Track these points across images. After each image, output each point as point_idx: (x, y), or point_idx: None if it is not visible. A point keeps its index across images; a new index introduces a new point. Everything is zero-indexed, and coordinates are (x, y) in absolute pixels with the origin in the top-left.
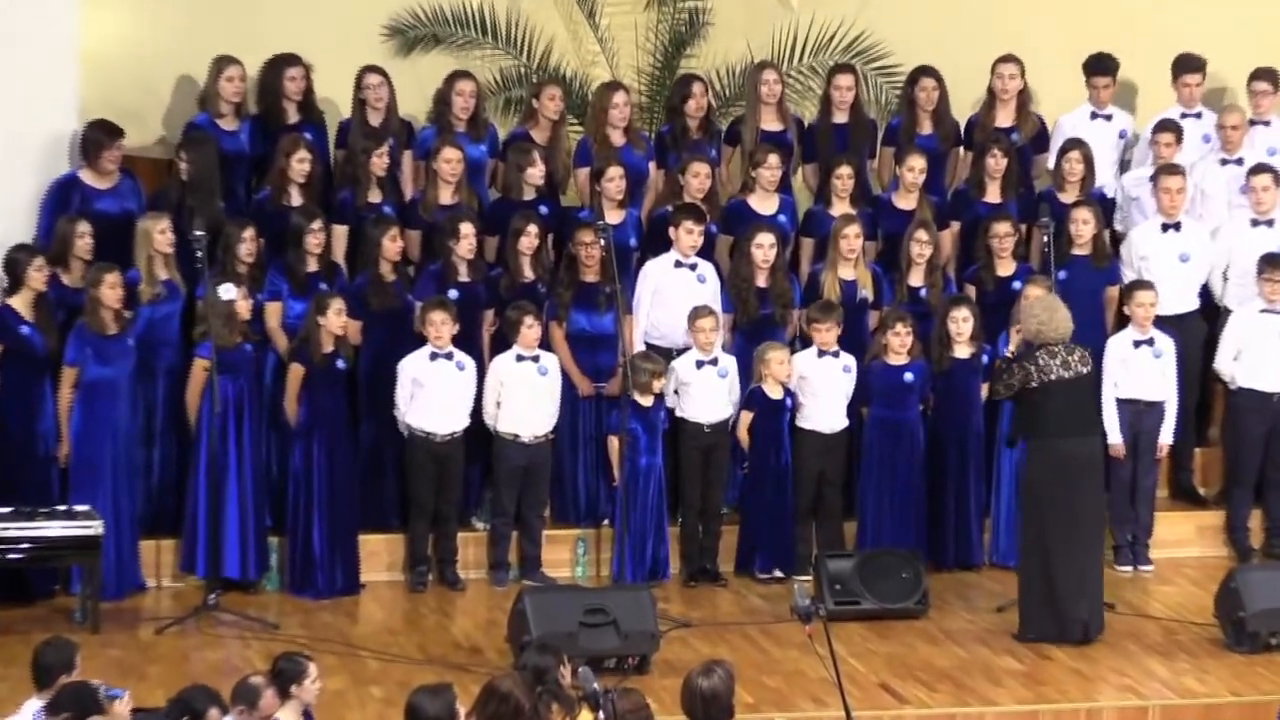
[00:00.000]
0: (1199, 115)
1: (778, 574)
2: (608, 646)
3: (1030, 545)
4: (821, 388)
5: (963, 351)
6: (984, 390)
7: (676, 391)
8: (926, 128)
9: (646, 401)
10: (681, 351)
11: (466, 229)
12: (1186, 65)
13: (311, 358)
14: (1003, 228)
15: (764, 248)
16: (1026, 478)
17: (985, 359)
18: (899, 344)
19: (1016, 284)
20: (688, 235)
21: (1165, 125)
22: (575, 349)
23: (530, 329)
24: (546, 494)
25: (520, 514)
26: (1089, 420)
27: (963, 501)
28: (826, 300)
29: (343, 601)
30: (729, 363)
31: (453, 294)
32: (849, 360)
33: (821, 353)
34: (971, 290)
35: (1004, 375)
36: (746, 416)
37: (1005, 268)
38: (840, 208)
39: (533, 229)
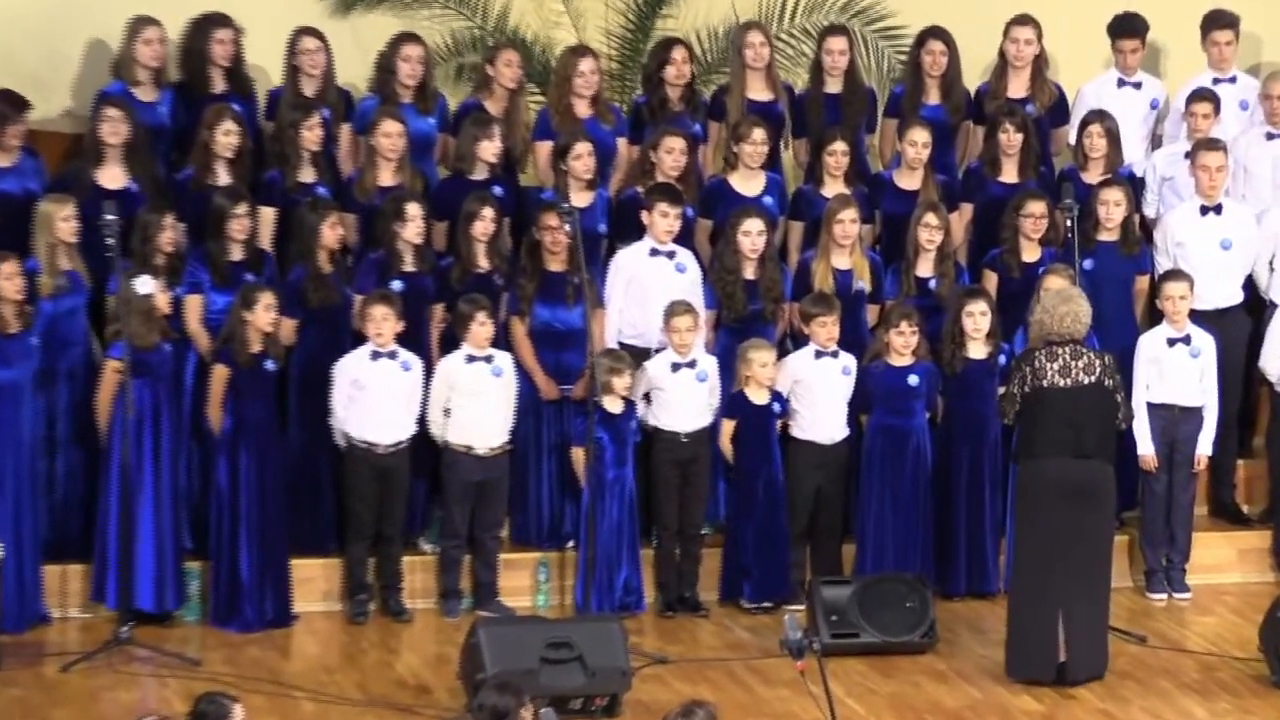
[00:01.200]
0: (1233, 79)
1: (766, 603)
2: (573, 685)
3: (1013, 576)
4: (819, 392)
5: (978, 351)
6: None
7: (648, 397)
8: (934, 97)
9: (615, 407)
10: (659, 351)
11: (413, 211)
12: (1216, 21)
13: (237, 359)
14: (1037, 207)
15: (752, 235)
16: (1015, 500)
17: (1003, 360)
18: (903, 343)
19: (1043, 270)
20: (663, 219)
21: (1201, 94)
22: (539, 347)
23: (483, 325)
24: (503, 513)
25: (474, 535)
26: (1091, 443)
27: (976, 521)
28: (822, 292)
29: (273, 635)
30: (709, 365)
31: (396, 286)
32: (848, 361)
33: (819, 353)
34: (992, 278)
35: (1006, 389)
36: (729, 425)
37: (1031, 252)
38: (834, 187)
39: (488, 212)
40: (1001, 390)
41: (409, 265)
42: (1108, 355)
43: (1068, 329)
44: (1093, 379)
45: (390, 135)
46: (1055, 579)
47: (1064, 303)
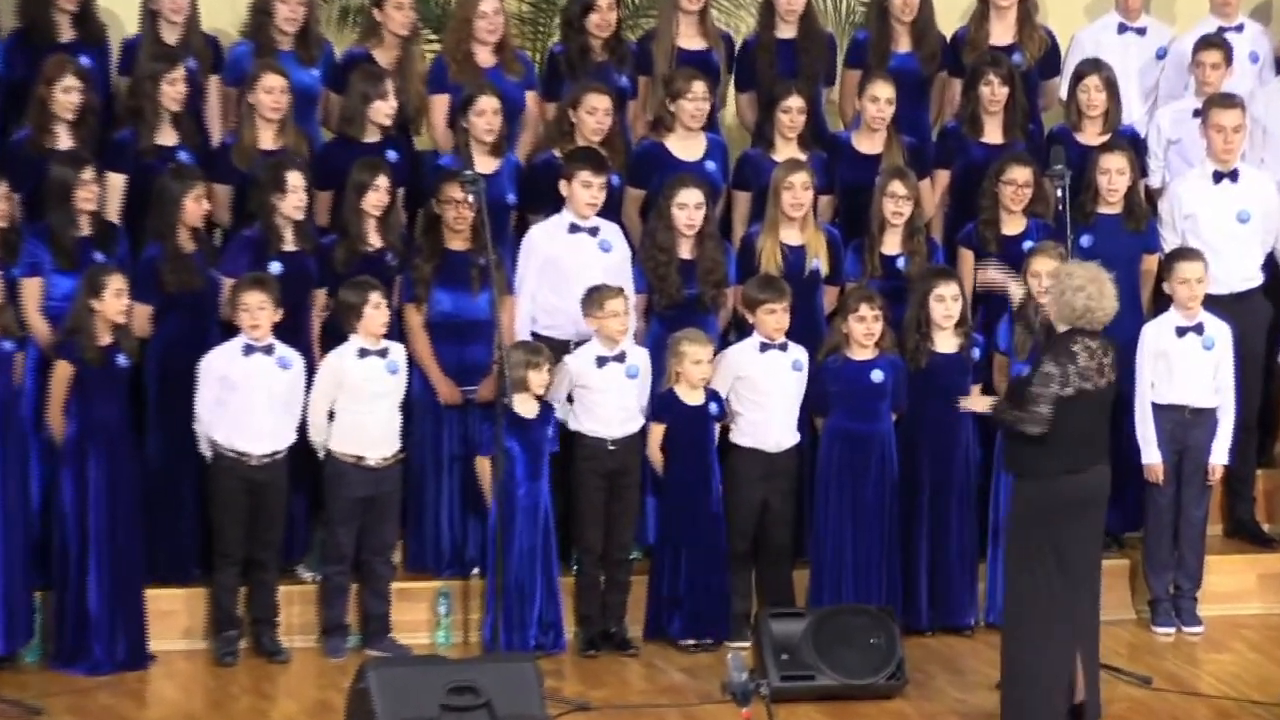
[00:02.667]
0: (1240, 28)
1: (705, 640)
2: None
3: (1015, 605)
4: (765, 391)
5: (946, 343)
6: (974, 392)
7: (571, 398)
8: (904, 44)
9: (528, 410)
10: (578, 344)
11: (294, 181)
12: None
13: (83, 354)
14: (1021, 173)
15: (688, 207)
16: (1015, 519)
17: (976, 353)
18: (864, 331)
19: (1028, 244)
20: (584, 190)
21: (1210, 41)
22: (438, 341)
23: (377, 311)
24: (396, 534)
25: (362, 561)
26: (1104, 445)
27: (947, 543)
28: (769, 274)
29: (126, 678)
30: (640, 359)
31: (274, 268)
32: (800, 354)
33: (765, 345)
34: (968, 256)
35: (1033, 395)
36: (657, 430)
37: (1013, 225)
38: (785, 150)
39: (381, 181)
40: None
41: (288, 244)
42: (1113, 342)
43: (1100, 318)
44: (1113, 374)
45: (272, 91)
46: (1079, 609)
47: (1104, 284)
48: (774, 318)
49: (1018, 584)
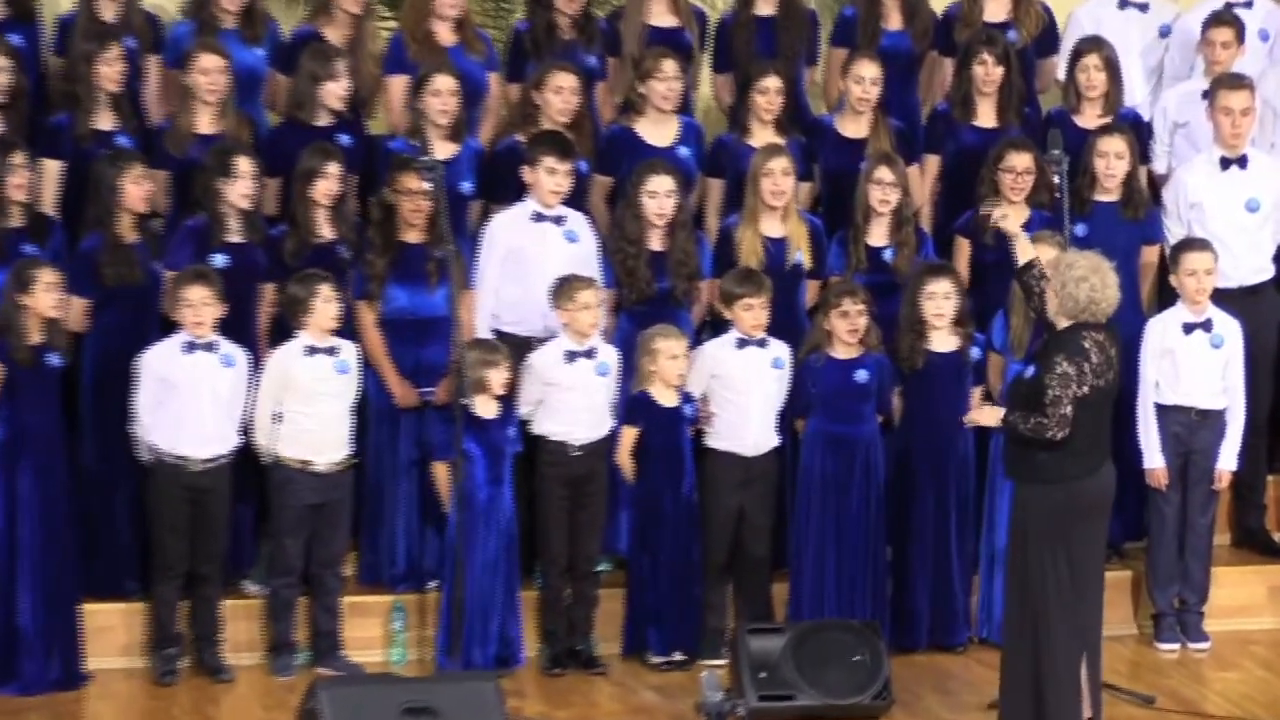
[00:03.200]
0: (1249, 3)
1: (678, 657)
2: None
3: (1023, 618)
4: (743, 391)
5: (942, 342)
6: (974, 397)
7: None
8: (894, 22)
9: (488, 411)
10: (542, 341)
11: (241, 167)
12: None
13: (12, 354)
14: (1021, 160)
15: (659, 196)
16: (1027, 527)
17: (976, 352)
18: (847, 328)
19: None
20: (549, 177)
21: (1220, 18)
22: (392, 339)
23: (326, 306)
24: (347, 545)
25: (311, 573)
26: (1109, 443)
27: (941, 554)
28: (748, 267)
29: (59, 699)
30: (610, 357)
31: (218, 260)
32: (781, 352)
33: (744, 341)
34: (964, 248)
35: (1054, 399)
36: (629, 434)
37: (1016, 214)
38: (763, 135)
39: (332, 168)
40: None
41: (234, 234)
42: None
43: (1105, 310)
44: (1119, 369)
45: (209, 72)
46: (1086, 617)
47: (1096, 273)
48: (752, 313)
49: (1028, 595)
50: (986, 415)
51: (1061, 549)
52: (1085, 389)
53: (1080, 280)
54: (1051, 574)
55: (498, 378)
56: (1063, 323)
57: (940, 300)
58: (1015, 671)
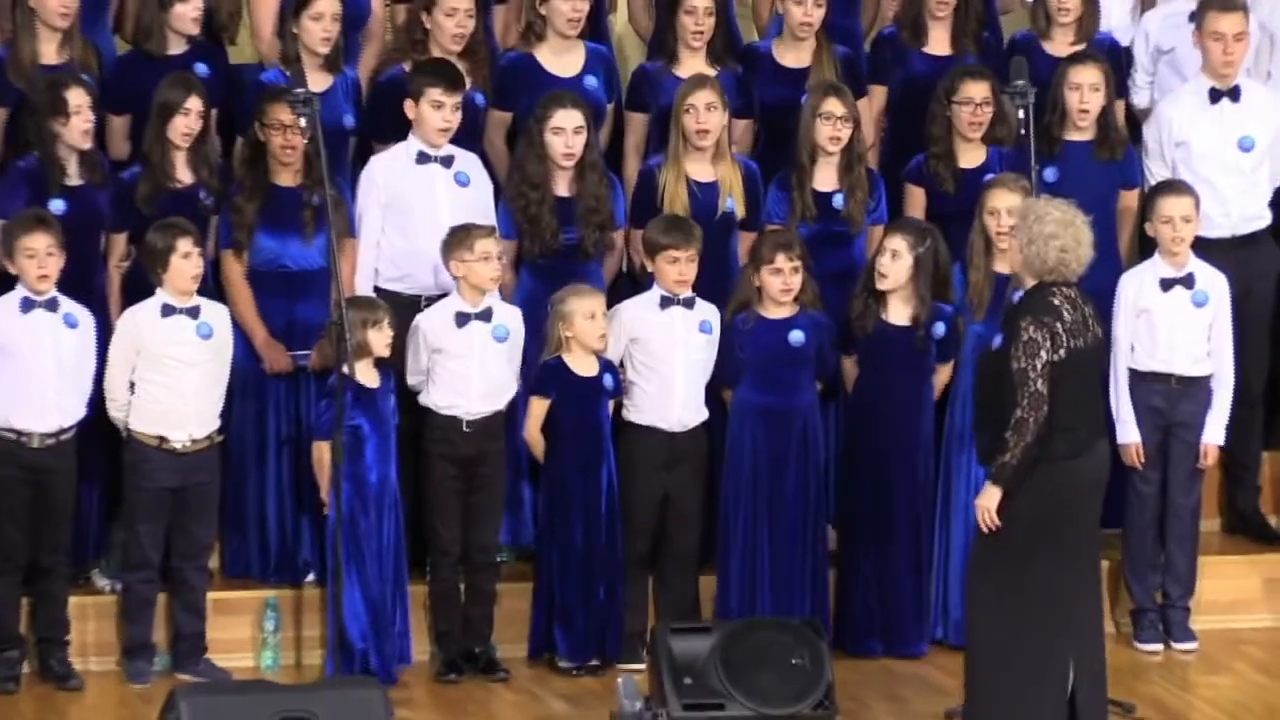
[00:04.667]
0: None
1: (591, 662)
2: None
3: (999, 622)
4: (665, 358)
5: (899, 313)
6: (940, 377)
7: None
8: None
9: (372, 379)
10: (430, 301)
11: (76, 101)
12: None
13: None
14: (978, 89)
15: (565, 132)
16: (1003, 517)
17: (941, 329)
18: (780, 285)
19: (989, 178)
20: (435, 111)
21: None
22: (263, 296)
23: (186, 261)
24: (213, 534)
25: (170, 566)
26: (1102, 415)
27: (893, 546)
28: (673, 215)
29: None
30: (510, 318)
31: (57, 206)
32: (709, 313)
33: (666, 300)
34: (918, 195)
35: (1020, 373)
36: (539, 407)
37: (971, 155)
38: (691, 64)
39: (191, 103)
40: (977, 381)
41: (74, 177)
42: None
43: (1075, 269)
44: (1100, 329)
45: None
46: (1080, 622)
47: (1067, 229)
48: (677, 267)
49: (1006, 595)
50: (989, 499)
51: (1049, 543)
52: (1061, 353)
53: (1049, 239)
54: (1038, 571)
55: (379, 339)
56: (1028, 281)
57: (890, 259)
58: (985, 683)
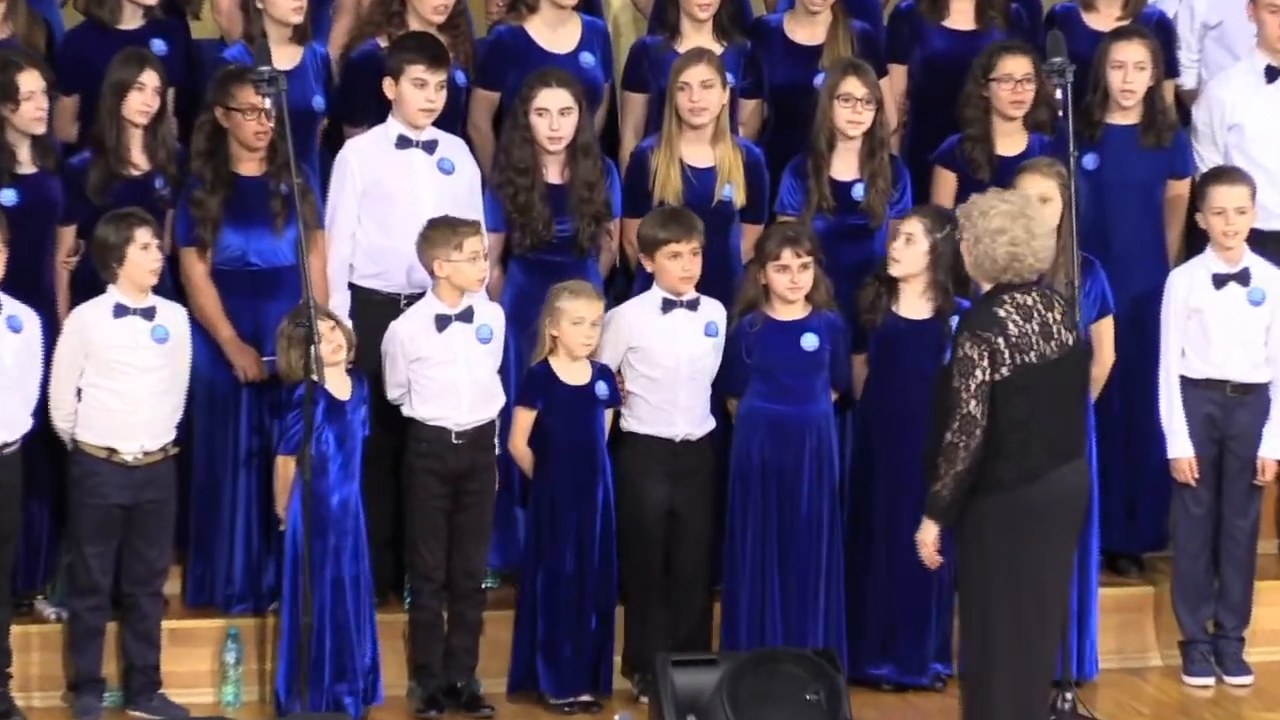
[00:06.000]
0: None
1: (584, 697)
2: None
3: (973, 654)
4: (669, 366)
5: (914, 307)
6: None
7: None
8: None
9: (342, 390)
10: (410, 300)
11: (28, 84)
12: None
13: None
14: (1018, 65)
15: (550, 114)
16: (970, 540)
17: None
18: (787, 285)
19: (1023, 163)
20: (418, 91)
21: None
22: (229, 297)
23: (145, 254)
24: (169, 557)
25: (123, 593)
26: (1078, 433)
27: (909, 568)
28: (670, 207)
29: None
30: (493, 318)
31: (8, 197)
32: (715, 314)
33: (670, 302)
34: (949, 180)
35: (954, 391)
36: (525, 417)
37: (1012, 140)
38: (695, 39)
39: (148, 79)
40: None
41: (25, 164)
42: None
43: (1031, 266)
44: (1071, 335)
45: None
46: (1040, 657)
47: (1016, 220)
48: (680, 262)
49: (981, 622)
50: (926, 533)
51: (1016, 568)
52: (1004, 370)
53: (997, 233)
54: (1007, 597)
55: (327, 348)
56: (984, 286)
57: (903, 243)
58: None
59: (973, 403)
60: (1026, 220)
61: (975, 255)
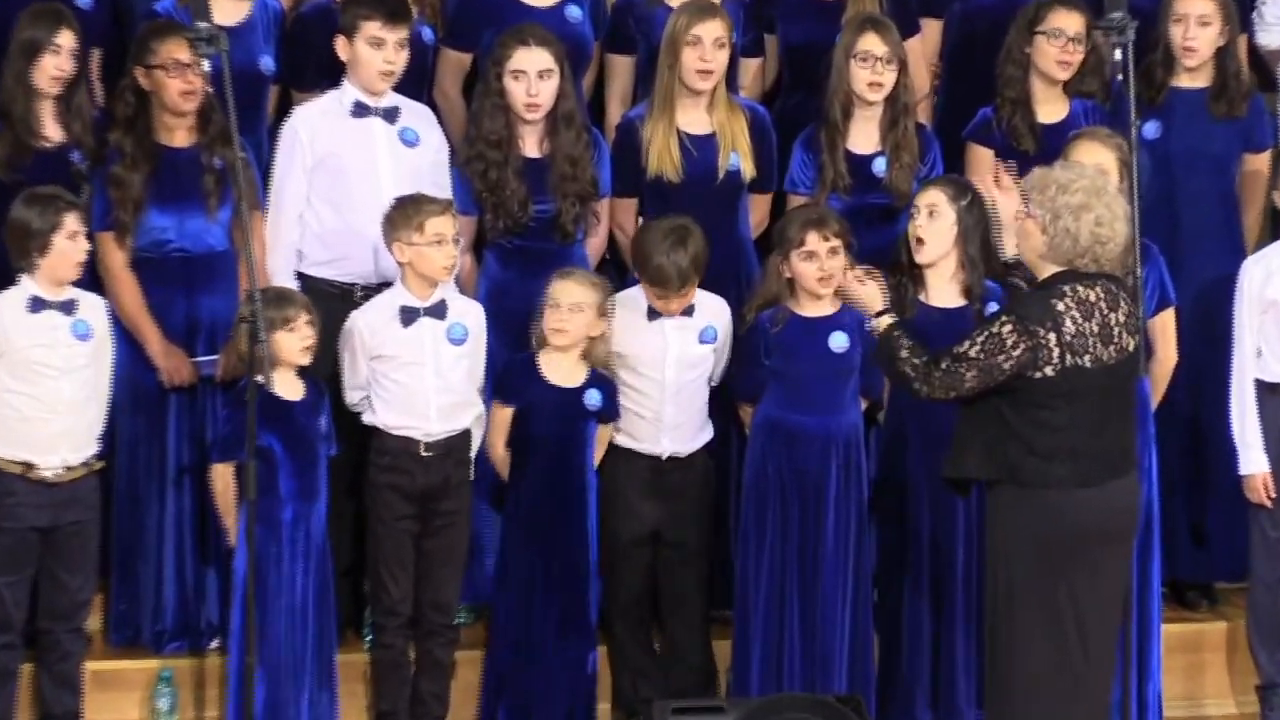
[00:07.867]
0: None
1: None
2: None
3: (1000, 692)
4: (651, 378)
5: (945, 294)
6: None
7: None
8: None
9: (290, 392)
10: (368, 292)
11: None
12: None
13: None
14: (1071, 22)
15: (528, 77)
16: (1001, 563)
17: (994, 306)
18: (816, 275)
19: (1076, 131)
20: (375, 50)
21: None
22: (154, 288)
23: (71, 243)
24: (93, 588)
25: (39, 629)
26: (1130, 447)
27: (949, 601)
28: (667, 219)
29: None
30: (466, 314)
31: None
32: (713, 314)
33: (656, 311)
34: (984, 156)
35: (962, 355)
36: (501, 414)
37: (1054, 107)
38: None
39: (63, 39)
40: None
41: None
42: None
43: (1113, 253)
44: (1133, 340)
45: None
46: (1089, 699)
47: (1100, 198)
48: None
49: (1009, 668)
50: (858, 290)
51: (1041, 606)
52: (1048, 370)
53: (1081, 209)
54: (1045, 625)
55: (292, 344)
56: (1047, 269)
57: (925, 217)
58: None
59: (975, 380)
60: (1109, 198)
61: (1052, 234)
